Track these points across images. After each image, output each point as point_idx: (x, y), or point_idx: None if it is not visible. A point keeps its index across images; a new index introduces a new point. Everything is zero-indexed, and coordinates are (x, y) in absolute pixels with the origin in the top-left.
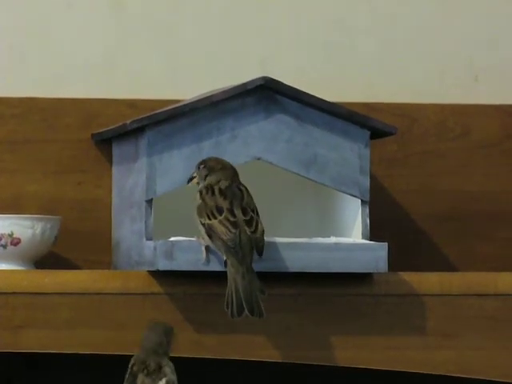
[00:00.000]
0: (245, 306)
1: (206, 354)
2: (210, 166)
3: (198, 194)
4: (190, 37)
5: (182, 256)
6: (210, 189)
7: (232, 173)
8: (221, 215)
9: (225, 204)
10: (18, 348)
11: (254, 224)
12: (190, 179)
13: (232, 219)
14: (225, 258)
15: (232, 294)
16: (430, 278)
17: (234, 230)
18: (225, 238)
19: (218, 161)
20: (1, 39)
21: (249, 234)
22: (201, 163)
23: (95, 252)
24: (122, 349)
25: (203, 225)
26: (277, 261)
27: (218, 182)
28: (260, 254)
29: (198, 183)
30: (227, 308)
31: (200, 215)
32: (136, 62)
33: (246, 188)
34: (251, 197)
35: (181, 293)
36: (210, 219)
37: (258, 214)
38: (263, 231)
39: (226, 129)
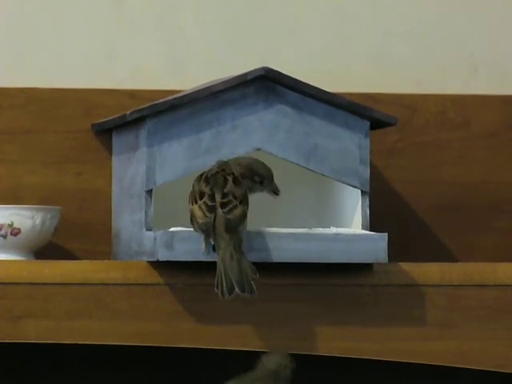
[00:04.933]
0: (235, 284)
1: (205, 345)
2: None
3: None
4: (190, 27)
5: (181, 246)
6: (200, 177)
7: (225, 164)
8: (201, 200)
9: (206, 190)
10: (18, 338)
11: (231, 207)
12: None
13: (210, 204)
14: (213, 243)
15: (221, 275)
16: (429, 268)
17: (209, 215)
18: (200, 221)
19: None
20: (1, 29)
21: (221, 214)
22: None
23: (95, 242)
24: (122, 339)
25: (189, 211)
26: (277, 251)
27: (210, 170)
28: (227, 230)
29: None
30: (217, 289)
31: (188, 201)
32: (136, 53)
33: (236, 177)
34: (241, 187)
35: (181, 283)
36: (192, 204)
37: (243, 202)
38: (241, 216)
39: (226, 119)
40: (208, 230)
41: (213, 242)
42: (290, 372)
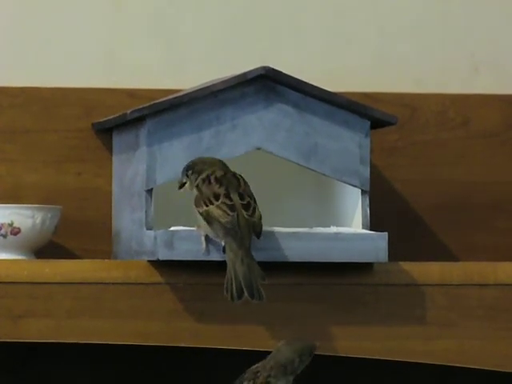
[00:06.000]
0: (244, 289)
1: (206, 344)
2: (198, 169)
3: (195, 188)
4: (190, 26)
5: (182, 246)
6: (206, 179)
7: (222, 165)
8: (217, 201)
9: (221, 190)
10: (19, 338)
11: (252, 208)
12: (182, 185)
13: (229, 203)
14: (223, 244)
15: (232, 278)
16: (430, 267)
17: (231, 213)
18: (223, 220)
19: (203, 160)
20: (1, 29)
21: (246, 217)
22: (187, 169)
23: (95, 241)
24: (122, 339)
25: (201, 214)
26: (277, 250)
27: (213, 172)
28: (258, 236)
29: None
30: (226, 292)
31: (198, 205)
32: (136, 52)
33: (242, 177)
34: (248, 186)
35: (181, 282)
36: (207, 206)
37: (255, 201)
38: (260, 216)
39: (226, 118)
40: (234, 228)
41: (223, 244)
42: (298, 365)
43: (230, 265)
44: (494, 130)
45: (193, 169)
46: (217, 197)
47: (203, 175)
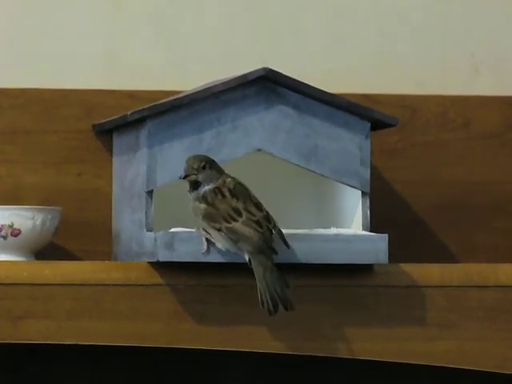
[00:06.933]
0: (279, 301)
1: (206, 346)
2: (215, 175)
3: (199, 200)
4: (190, 28)
5: (182, 247)
6: (218, 192)
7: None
8: (241, 217)
9: (239, 205)
10: (19, 339)
11: (272, 220)
12: (186, 176)
13: (254, 218)
14: (248, 258)
15: (265, 292)
16: (430, 269)
17: (260, 230)
18: (255, 238)
19: (216, 164)
20: (1, 30)
21: (271, 229)
22: (207, 162)
23: (95, 243)
24: (122, 340)
25: (218, 229)
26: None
27: (224, 182)
28: (287, 245)
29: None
30: (263, 306)
31: (212, 220)
32: (137, 53)
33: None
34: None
35: (181, 284)
36: (228, 222)
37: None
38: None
39: (227, 120)
40: (268, 244)
41: (248, 257)
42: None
43: (260, 278)
44: (494, 131)
45: (211, 165)
46: (238, 212)
47: (215, 184)
